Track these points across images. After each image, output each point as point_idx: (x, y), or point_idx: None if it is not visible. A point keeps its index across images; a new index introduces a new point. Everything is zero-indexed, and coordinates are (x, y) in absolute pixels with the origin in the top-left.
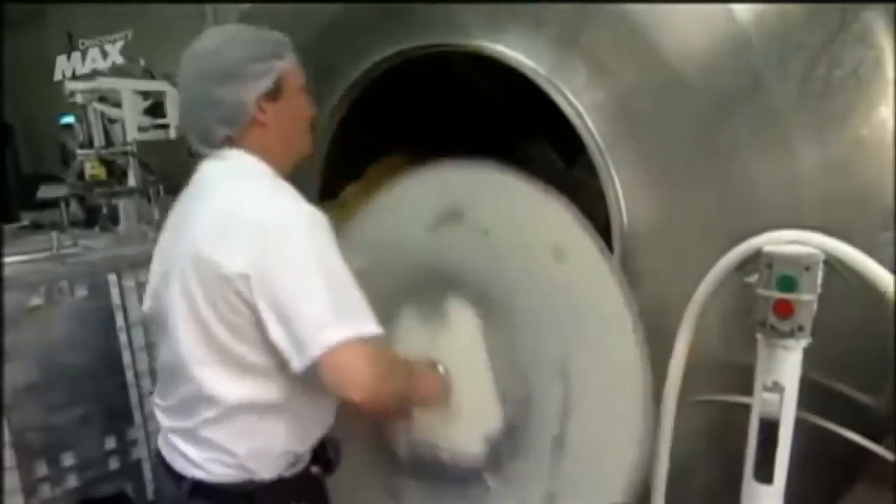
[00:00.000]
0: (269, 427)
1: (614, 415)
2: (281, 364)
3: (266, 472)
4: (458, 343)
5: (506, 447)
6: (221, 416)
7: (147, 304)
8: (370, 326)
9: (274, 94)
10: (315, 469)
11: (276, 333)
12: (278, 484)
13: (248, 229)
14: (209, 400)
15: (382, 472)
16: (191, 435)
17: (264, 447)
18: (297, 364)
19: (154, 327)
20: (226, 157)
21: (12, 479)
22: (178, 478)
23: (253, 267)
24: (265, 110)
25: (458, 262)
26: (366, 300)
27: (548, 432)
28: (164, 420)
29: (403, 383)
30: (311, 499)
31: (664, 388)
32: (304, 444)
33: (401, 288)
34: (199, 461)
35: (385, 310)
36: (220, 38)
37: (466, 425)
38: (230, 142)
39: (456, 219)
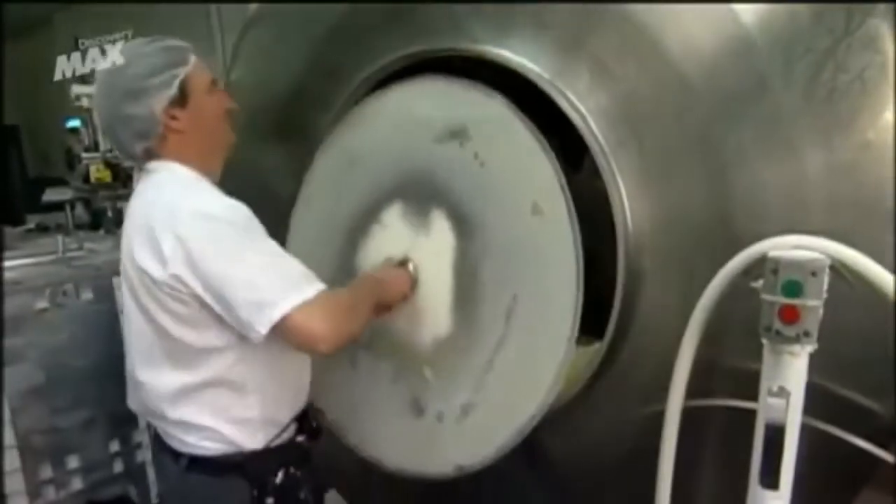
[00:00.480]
0: (242, 401)
1: (540, 354)
2: (234, 342)
3: (251, 443)
4: (430, 247)
5: (446, 351)
6: (188, 397)
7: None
8: (311, 288)
9: (181, 100)
10: (301, 438)
11: (228, 317)
12: (265, 453)
13: (170, 233)
14: (172, 385)
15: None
16: (169, 420)
17: (242, 420)
18: (256, 338)
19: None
20: (152, 170)
21: (17, 482)
22: (175, 454)
23: (183, 266)
24: (177, 118)
25: (449, 180)
26: (301, 264)
27: (482, 355)
28: (144, 410)
29: (364, 310)
30: (298, 466)
31: (669, 394)
32: (281, 414)
33: (395, 185)
34: (189, 441)
35: (377, 198)
36: (123, 56)
37: (419, 321)
38: (150, 154)
39: (459, 139)
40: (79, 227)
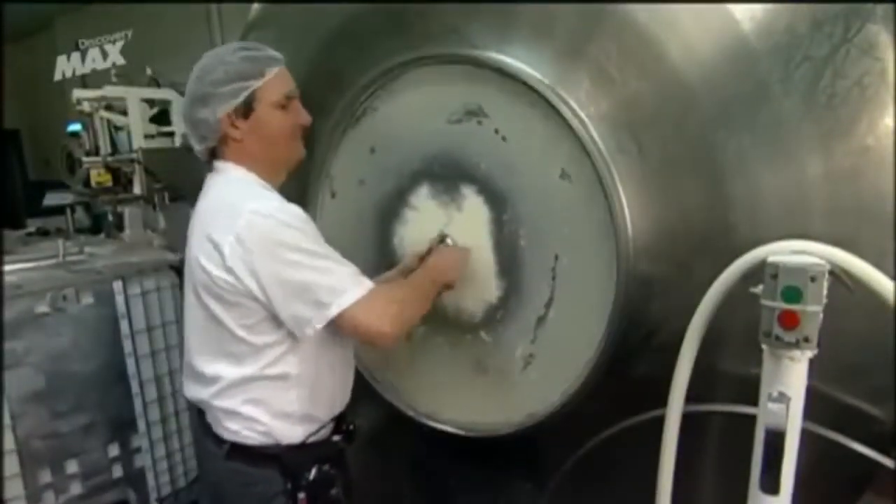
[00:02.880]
0: (285, 395)
1: (589, 302)
2: (284, 338)
3: (289, 437)
4: (467, 223)
5: (499, 314)
6: (236, 387)
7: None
8: (363, 286)
9: (245, 111)
10: (337, 438)
11: (283, 314)
12: (301, 448)
13: (229, 233)
14: (222, 375)
15: None
16: (216, 407)
17: (283, 414)
18: (308, 334)
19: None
20: (217, 170)
21: (16, 486)
22: (219, 440)
23: (241, 265)
24: (237, 126)
25: (473, 157)
26: (351, 265)
27: (534, 311)
28: (195, 394)
29: (417, 298)
30: (332, 464)
31: (669, 400)
32: (320, 411)
33: (419, 168)
34: (232, 428)
35: (403, 183)
36: (205, 62)
37: (469, 290)
38: (213, 154)
39: (477, 117)
40: (79, 231)
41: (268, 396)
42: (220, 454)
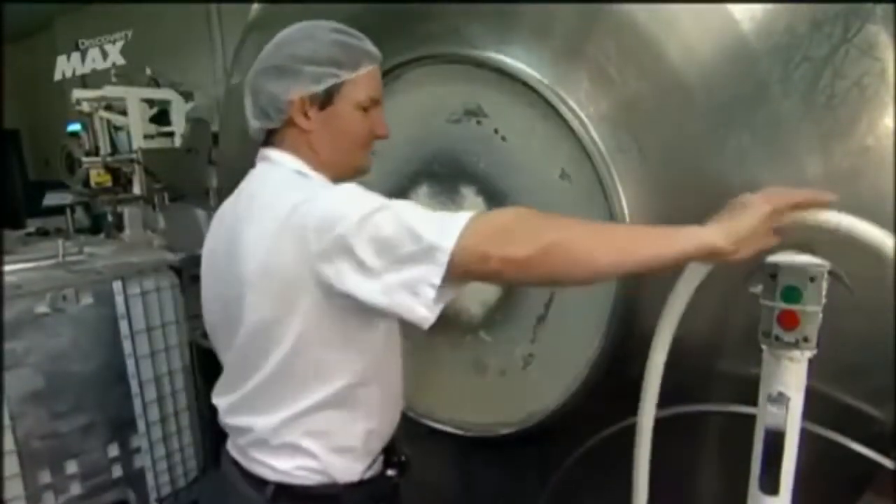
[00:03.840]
0: (349, 427)
1: (589, 302)
2: (357, 358)
3: (348, 474)
4: None
5: (499, 314)
6: (298, 419)
7: (209, 317)
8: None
9: (322, 101)
10: (391, 472)
11: (396, 278)
12: (359, 486)
13: (296, 229)
14: (287, 398)
15: None
16: (266, 444)
17: (345, 448)
18: (436, 276)
19: (216, 335)
20: (264, 158)
21: (16, 487)
22: (261, 482)
23: (322, 260)
24: (309, 116)
25: (472, 157)
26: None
27: (534, 311)
28: (233, 431)
29: (553, 223)
30: (388, 501)
31: (640, 404)
32: (375, 443)
33: (418, 168)
34: (281, 467)
35: (403, 183)
36: (290, 32)
37: (468, 290)
38: (270, 138)
39: (477, 117)
40: (79, 231)
41: (332, 429)
42: (258, 497)
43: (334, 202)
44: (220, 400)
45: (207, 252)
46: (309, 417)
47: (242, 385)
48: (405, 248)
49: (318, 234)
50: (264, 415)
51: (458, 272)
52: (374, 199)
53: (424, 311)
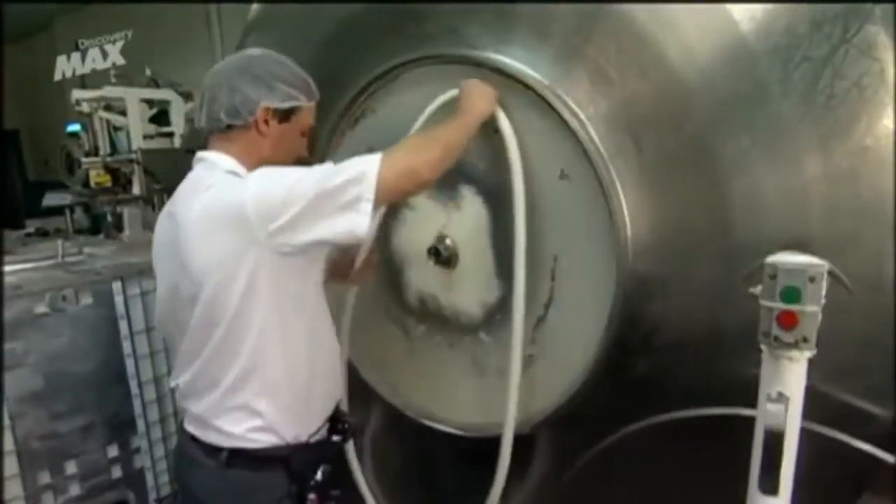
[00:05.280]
0: (294, 384)
1: (588, 303)
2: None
3: (297, 435)
4: (466, 222)
5: (498, 315)
6: (250, 375)
7: (160, 309)
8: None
9: (282, 115)
10: (336, 438)
11: (332, 225)
12: (307, 448)
13: (243, 203)
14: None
15: (397, 312)
16: (226, 406)
17: (292, 408)
18: (366, 211)
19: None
20: (204, 160)
21: (16, 487)
22: (214, 449)
23: (270, 223)
24: (269, 124)
25: (471, 157)
26: None
27: (533, 312)
28: (191, 403)
29: (443, 133)
30: (333, 464)
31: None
32: (321, 406)
33: None
34: (237, 432)
35: None
36: (270, 53)
37: (467, 291)
38: (226, 133)
39: None
40: (78, 231)
41: (277, 386)
42: (215, 465)
43: (270, 188)
44: (179, 380)
45: (155, 253)
46: (256, 378)
47: (196, 360)
48: (343, 186)
49: (261, 218)
50: (218, 381)
51: (387, 195)
52: (294, 171)
53: (365, 220)
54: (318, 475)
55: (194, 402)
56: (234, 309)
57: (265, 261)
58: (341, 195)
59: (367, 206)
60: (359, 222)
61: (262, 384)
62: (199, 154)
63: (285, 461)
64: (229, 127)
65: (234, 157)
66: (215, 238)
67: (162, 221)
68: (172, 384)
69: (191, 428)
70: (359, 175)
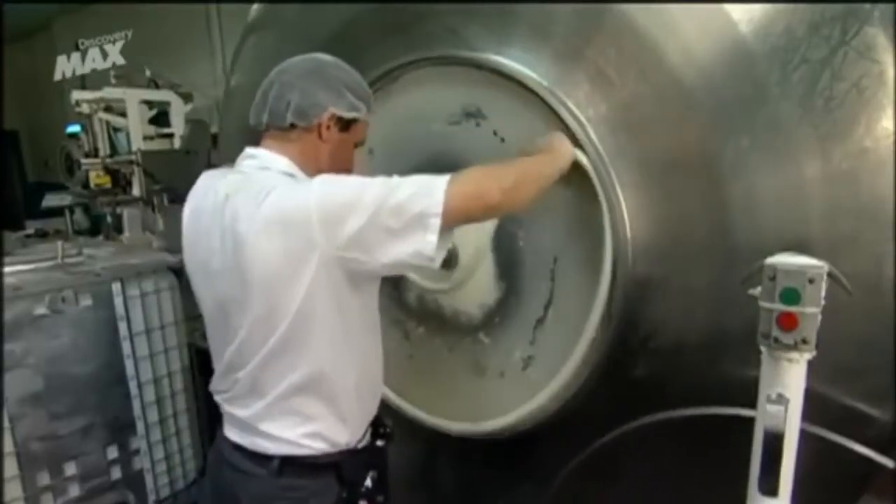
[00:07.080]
0: (347, 394)
1: (587, 307)
2: (357, 319)
3: (349, 441)
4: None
5: (498, 316)
6: (306, 386)
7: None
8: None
9: (343, 124)
10: (380, 442)
11: (402, 246)
12: (356, 453)
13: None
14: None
15: (396, 314)
16: (271, 411)
17: (345, 415)
18: (433, 227)
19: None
20: (255, 157)
21: (15, 489)
22: (264, 458)
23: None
24: (329, 129)
25: (472, 158)
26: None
27: (533, 313)
28: (237, 408)
29: (523, 161)
30: (380, 468)
31: None
32: (368, 412)
33: (418, 168)
34: (289, 437)
35: None
36: (344, 64)
37: (467, 293)
38: (288, 131)
39: (475, 118)
40: (78, 232)
41: (335, 394)
42: (266, 473)
43: (334, 192)
44: (223, 385)
45: (193, 251)
46: (312, 384)
47: (248, 365)
48: (409, 199)
49: (325, 223)
50: (271, 387)
51: (454, 215)
52: (357, 179)
53: (433, 239)
54: (368, 481)
55: (240, 407)
56: (292, 314)
57: (327, 266)
58: (409, 206)
59: (436, 222)
60: (427, 240)
61: (318, 390)
62: (250, 150)
63: (337, 467)
64: (291, 126)
65: (289, 157)
66: (276, 242)
67: (197, 216)
68: (213, 389)
69: (233, 436)
70: (426, 188)
